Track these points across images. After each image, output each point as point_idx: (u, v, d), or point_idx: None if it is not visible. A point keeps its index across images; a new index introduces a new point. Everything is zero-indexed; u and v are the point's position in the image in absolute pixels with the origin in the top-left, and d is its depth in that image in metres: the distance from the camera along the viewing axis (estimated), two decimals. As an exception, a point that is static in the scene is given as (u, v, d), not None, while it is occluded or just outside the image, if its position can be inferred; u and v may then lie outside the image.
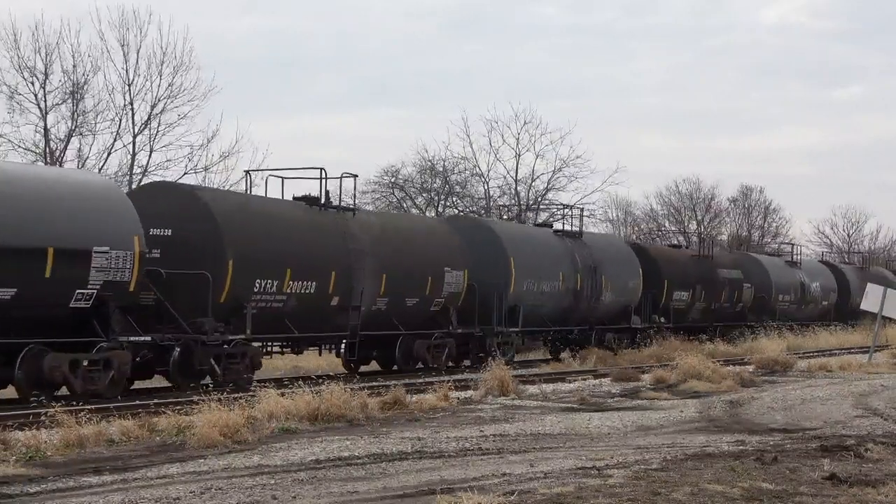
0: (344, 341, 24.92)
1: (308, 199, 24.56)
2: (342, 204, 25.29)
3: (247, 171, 26.45)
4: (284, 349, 24.48)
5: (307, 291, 22.87)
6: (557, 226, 35.32)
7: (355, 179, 24.85)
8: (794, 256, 51.33)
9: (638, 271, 36.14)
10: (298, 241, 23.08)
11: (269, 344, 23.88)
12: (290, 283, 22.39)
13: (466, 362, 29.05)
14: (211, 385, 19.85)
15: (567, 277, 32.38)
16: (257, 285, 21.62)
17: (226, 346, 21.06)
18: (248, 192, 25.33)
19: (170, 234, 21.01)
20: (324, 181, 24.56)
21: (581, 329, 33.73)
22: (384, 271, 25.16)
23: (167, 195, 22.08)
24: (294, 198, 24.95)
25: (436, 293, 27.13)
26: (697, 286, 40.27)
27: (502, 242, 29.94)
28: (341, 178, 24.90)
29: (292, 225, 23.33)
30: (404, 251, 26.22)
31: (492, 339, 29.08)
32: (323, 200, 24.59)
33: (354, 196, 25.09)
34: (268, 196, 24.68)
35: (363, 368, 27.48)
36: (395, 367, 26.77)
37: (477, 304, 28.53)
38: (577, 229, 34.92)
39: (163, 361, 20.57)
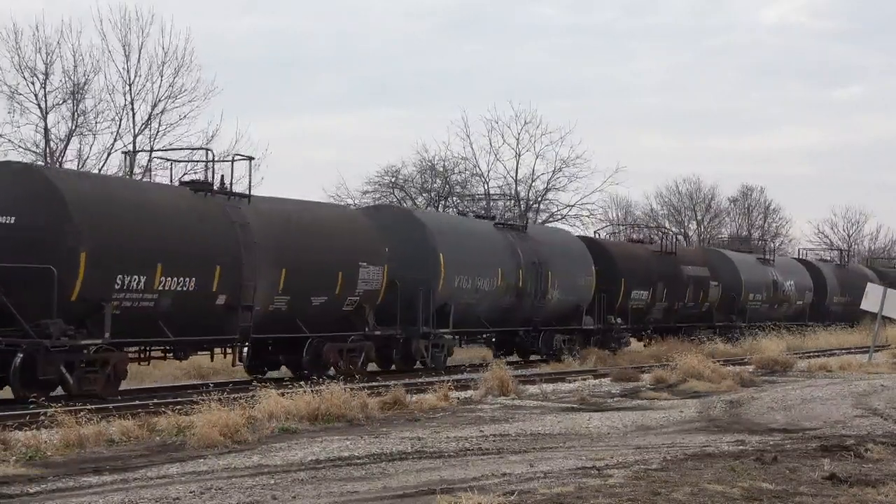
0: (247, 345, 22.33)
1: (194, 184, 21.79)
2: (234, 190, 22.20)
3: (125, 153, 23.52)
4: (167, 354, 21.33)
5: (185, 289, 19.95)
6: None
7: (250, 162, 22.33)
8: (767, 253, 48.64)
9: (590, 268, 33.32)
10: (174, 230, 20.08)
11: (147, 349, 21.03)
12: (163, 279, 19.49)
13: (395, 367, 27.09)
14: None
15: (507, 274, 29.64)
16: (119, 282, 18.73)
17: (86, 352, 18.47)
18: (129, 175, 22.11)
19: (12, 221, 18.20)
20: (212, 164, 22.03)
21: (526, 330, 31.07)
22: (284, 266, 22.20)
23: (11, 177, 18.88)
24: (181, 182, 22.56)
25: (349, 291, 24.02)
26: (659, 284, 37.22)
27: (430, 234, 27.12)
28: (233, 160, 21.97)
29: (168, 212, 20.29)
30: (310, 244, 23.15)
31: (417, 342, 26.31)
32: (217, 186, 21.87)
33: (250, 181, 22.39)
34: (153, 181, 22.23)
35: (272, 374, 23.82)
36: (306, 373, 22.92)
37: (399, 302, 25.67)
38: (521, 222, 32.12)
39: (5, 369, 17.80)
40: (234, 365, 22.91)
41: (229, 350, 22.32)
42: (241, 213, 21.73)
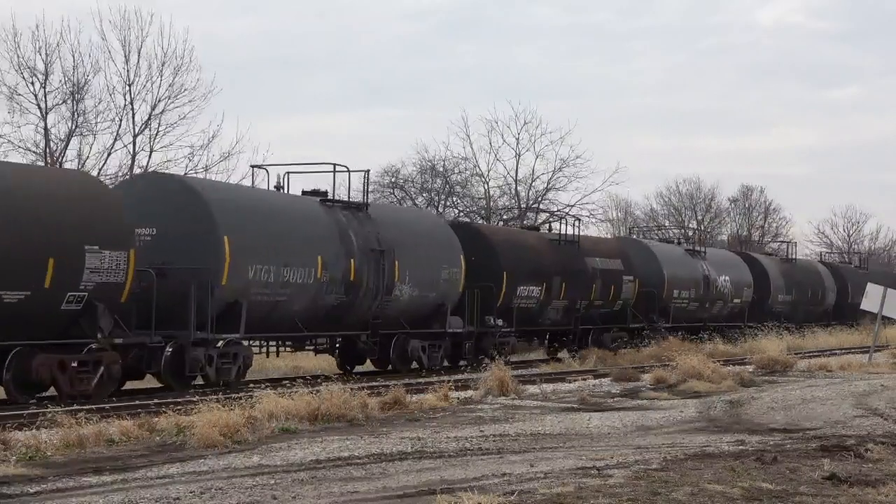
0: None
1: None
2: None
3: None
4: None
5: None
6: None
7: None
8: (697, 245, 42.42)
9: (458, 258, 27.42)
10: None
11: None
12: None
13: (163, 384, 20.83)
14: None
15: (331, 263, 23.38)
16: None
17: None
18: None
19: None
20: None
21: (368, 335, 24.97)
22: None
23: None
24: None
25: (68, 284, 18.08)
26: (555, 279, 31.30)
27: (210, 211, 20.99)
28: None
29: None
30: None
31: (191, 352, 20.21)
32: None
33: None
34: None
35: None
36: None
37: (157, 299, 19.85)
38: (361, 200, 25.50)
39: None
40: None
41: None
42: None
